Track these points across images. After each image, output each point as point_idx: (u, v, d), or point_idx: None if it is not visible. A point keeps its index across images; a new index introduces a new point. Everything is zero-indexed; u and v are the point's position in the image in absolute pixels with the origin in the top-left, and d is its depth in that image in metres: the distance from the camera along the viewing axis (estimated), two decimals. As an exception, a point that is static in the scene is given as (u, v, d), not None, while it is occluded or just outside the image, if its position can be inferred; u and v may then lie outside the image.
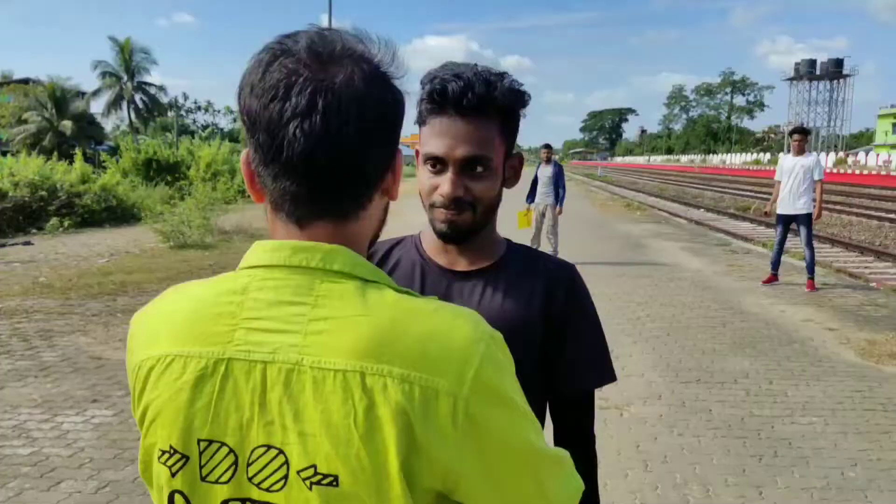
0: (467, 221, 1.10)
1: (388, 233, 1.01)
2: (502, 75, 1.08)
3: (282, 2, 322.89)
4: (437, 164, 1.08)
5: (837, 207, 20.09)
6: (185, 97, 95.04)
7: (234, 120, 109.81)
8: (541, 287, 1.15)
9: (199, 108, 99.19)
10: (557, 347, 1.15)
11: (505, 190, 1.18)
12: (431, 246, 1.19)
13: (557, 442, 1.19)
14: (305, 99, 0.67)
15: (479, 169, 1.07)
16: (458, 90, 1.04)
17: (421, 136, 1.12)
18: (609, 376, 1.18)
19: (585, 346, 1.16)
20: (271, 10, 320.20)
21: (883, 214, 17.98)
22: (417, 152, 1.14)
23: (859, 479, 3.39)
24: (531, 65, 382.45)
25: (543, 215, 10.03)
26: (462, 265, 1.17)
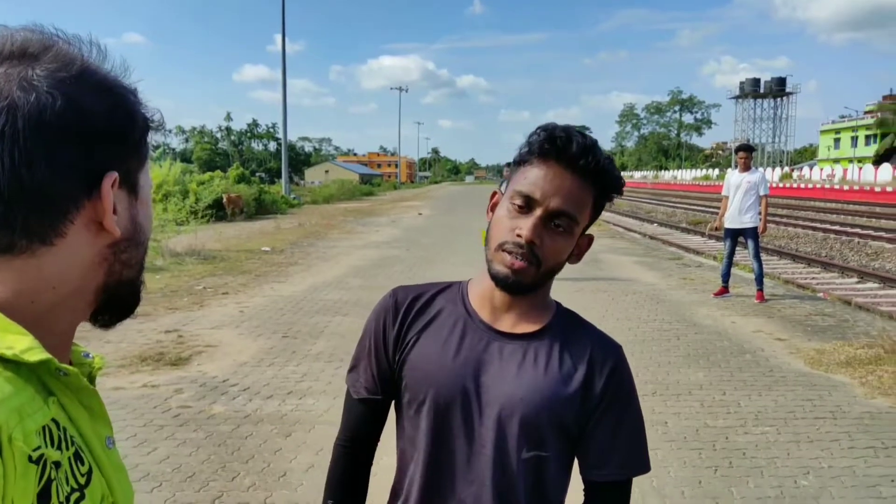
0: (529, 275, 1.07)
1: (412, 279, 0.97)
2: (611, 158, 1.10)
3: (234, 23, 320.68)
4: (526, 206, 1.06)
5: (784, 220, 20.72)
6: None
7: (187, 140, 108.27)
8: (583, 367, 1.11)
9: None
10: (592, 432, 1.12)
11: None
12: (478, 297, 1.16)
13: None
14: None
15: (561, 227, 1.06)
16: (578, 147, 1.04)
17: (517, 172, 1.10)
18: (642, 468, 1.15)
19: (623, 436, 1.13)
20: (223, 31, 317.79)
21: (828, 226, 18.60)
22: (493, 196, 1.14)
23: (812, 488, 3.44)
24: (486, 84, 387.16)
25: None
26: (506, 325, 1.14)
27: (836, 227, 18.18)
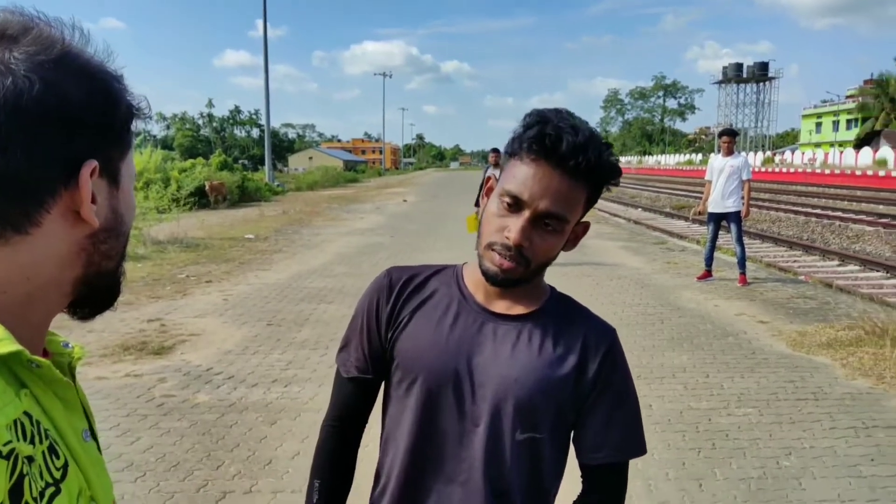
0: (518, 273, 1.07)
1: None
2: (609, 146, 1.06)
3: (215, 8, 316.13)
4: (515, 205, 1.04)
5: (766, 204, 20.90)
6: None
7: (168, 127, 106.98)
8: (577, 348, 1.11)
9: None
10: (587, 415, 1.11)
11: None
12: (472, 281, 1.16)
13: (585, 495, 1.16)
14: None
15: (550, 227, 1.05)
16: (571, 148, 1.00)
17: (507, 166, 1.08)
18: (639, 449, 1.14)
19: (619, 418, 1.12)
20: (203, 16, 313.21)
21: (809, 210, 18.80)
22: (488, 181, 1.12)
23: (794, 468, 3.48)
24: (471, 69, 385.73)
25: None
26: (501, 307, 1.13)
27: (818, 211, 18.38)
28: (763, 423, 4.05)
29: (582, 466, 1.14)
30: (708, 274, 8.59)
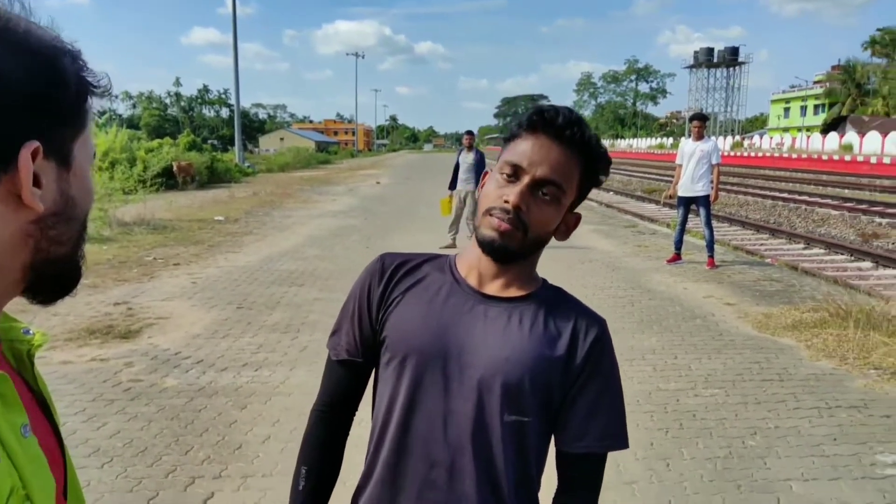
0: (515, 240, 1.08)
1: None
2: (598, 137, 1.13)
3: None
4: (514, 175, 1.08)
5: (735, 188, 21.20)
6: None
7: (134, 106, 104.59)
8: (567, 333, 1.11)
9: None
10: (572, 402, 1.10)
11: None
12: (465, 266, 1.16)
13: (561, 493, 1.14)
14: None
15: (548, 196, 1.08)
16: (564, 120, 1.08)
17: (507, 147, 1.13)
18: (621, 443, 1.13)
19: (604, 408, 1.11)
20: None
21: (776, 194, 19.12)
22: (486, 174, 1.14)
23: (759, 447, 3.56)
24: (445, 51, 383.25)
25: (464, 202, 10.06)
26: (492, 289, 1.13)
27: (785, 195, 18.70)
28: (729, 404, 4.12)
29: (561, 456, 1.13)
30: (677, 257, 8.69)
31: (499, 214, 1.06)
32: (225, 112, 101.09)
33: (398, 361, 1.12)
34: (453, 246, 9.94)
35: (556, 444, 1.14)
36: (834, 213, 14.80)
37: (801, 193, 19.59)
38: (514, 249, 1.08)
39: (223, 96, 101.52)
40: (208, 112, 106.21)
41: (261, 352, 5.03)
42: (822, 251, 10.66)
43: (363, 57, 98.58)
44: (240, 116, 34.09)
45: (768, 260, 9.45)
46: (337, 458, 1.23)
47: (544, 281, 1.19)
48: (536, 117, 1.09)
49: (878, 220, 13.36)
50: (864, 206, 15.16)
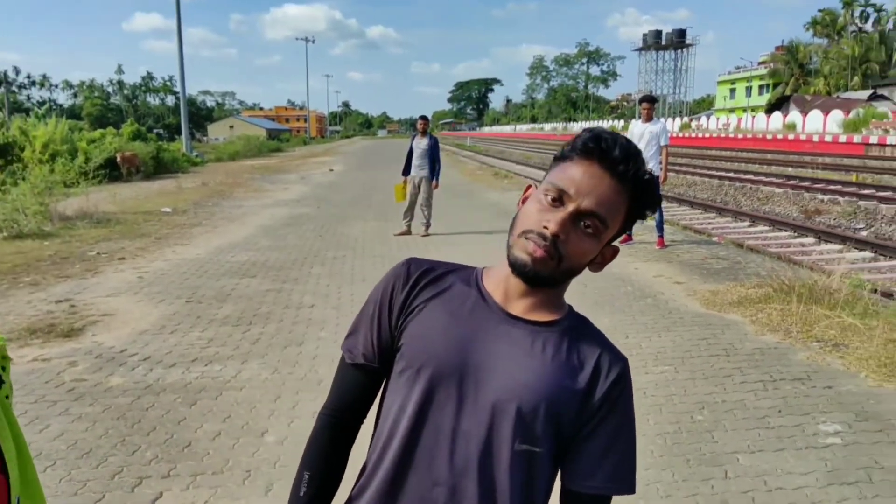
0: (547, 268, 1.04)
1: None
2: (655, 176, 1.09)
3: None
4: (558, 200, 1.04)
5: (684, 169, 21.64)
6: (17, 72, 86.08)
7: (75, 95, 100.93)
8: (589, 367, 1.06)
9: (33, 84, 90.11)
10: (585, 439, 1.06)
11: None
12: (492, 282, 1.12)
13: None
14: None
15: (590, 229, 1.04)
16: (622, 152, 1.03)
17: (555, 166, 1.09)
18: (629, 487, 1.09)
19: (617, 449, 1.07)
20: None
21: (723, 174, 19.58)
22: (529, 188, 1.10)
23: (706, 422, 3.65)
24: (397, 35, 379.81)
25: (418, 188, 10.00)
26: (518, 309, 1.09)
27: (731, 175, 19.17)
28: (678, 380, 4.22)
29: (566, 494, 1.09)
30: (629, 238, 8.83)
31: (535, 239, 1.03)
32: (171, 100, 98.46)
33: (413, 371, 1.08)
34: (408, 233, 9.90)
35: (562, 481, 1.10)
36: (778, 191, 15.24)
37: (746, 173, 20.11)
38: (545, 276, 1.05)
39: (168, 84, 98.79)
40: (153, 100, 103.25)
41: (211, 346, 4.93)
42: (766, 228, 10.99)
43: (313, 42, 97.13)
44: (186, 104, 33.17)
45: (715, 238, 9.69)
46: (341, 465, 1.18)
47: (571, 308, 1.15)
48: (592, 144, 1.04)
49: (819, 196, 13.82)
50: (806, 184, 15.65)
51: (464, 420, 1.05)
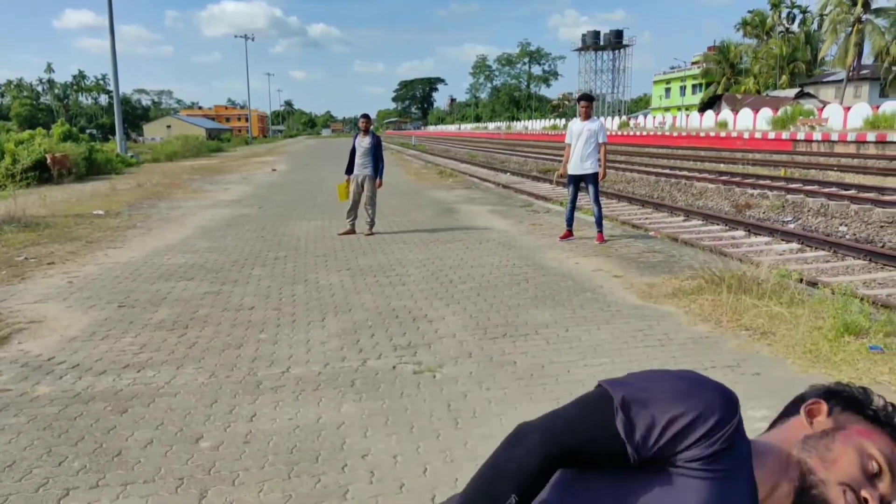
0: None
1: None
2: None
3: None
4: (877, 475, 1.01)
5: (622, 166, 22.14)
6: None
7: (2, 95, 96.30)
8: None
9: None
10: None
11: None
12: (763, 473, 1.03)
13: None
14: None
15: None
16: None
17: (854, 421, 1.05)
18: None
19: None
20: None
21: (660, 170, 20.12)
22: (819, 405, 1.10)
23: (641, 410, 3.73)
24: (339, 34, 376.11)
25: (362, 187, 9.92)
26: None
27: (667, 171, 19.71)
28: (616, 371, 4.30)
29: None
30: (569, 234, 8.98)
31: (852, 501, 0.99)
32: (104, 99, 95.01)
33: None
34: (352, 232, 9.82)
35: None
36: (711, 186, 15.75)
37: (681, 169, 20.72)
38: None
39: (101, 82, 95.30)
40: (86, 100, 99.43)
41: (144, 352, 4.77)
42: (700, 222, 11.35)
43: (253, 39, 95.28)
44: (120, 103, 32.01)
45: (651, 233, 9.95)
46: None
47: None
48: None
49: (749, 191, 14.34)
50: (737, 179, 16.23)
51: None
